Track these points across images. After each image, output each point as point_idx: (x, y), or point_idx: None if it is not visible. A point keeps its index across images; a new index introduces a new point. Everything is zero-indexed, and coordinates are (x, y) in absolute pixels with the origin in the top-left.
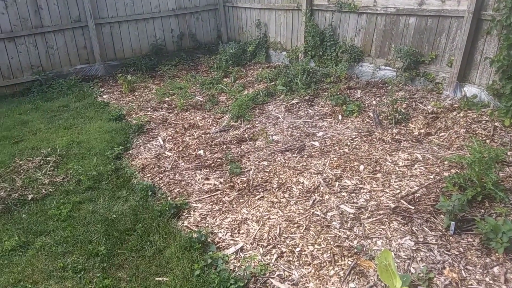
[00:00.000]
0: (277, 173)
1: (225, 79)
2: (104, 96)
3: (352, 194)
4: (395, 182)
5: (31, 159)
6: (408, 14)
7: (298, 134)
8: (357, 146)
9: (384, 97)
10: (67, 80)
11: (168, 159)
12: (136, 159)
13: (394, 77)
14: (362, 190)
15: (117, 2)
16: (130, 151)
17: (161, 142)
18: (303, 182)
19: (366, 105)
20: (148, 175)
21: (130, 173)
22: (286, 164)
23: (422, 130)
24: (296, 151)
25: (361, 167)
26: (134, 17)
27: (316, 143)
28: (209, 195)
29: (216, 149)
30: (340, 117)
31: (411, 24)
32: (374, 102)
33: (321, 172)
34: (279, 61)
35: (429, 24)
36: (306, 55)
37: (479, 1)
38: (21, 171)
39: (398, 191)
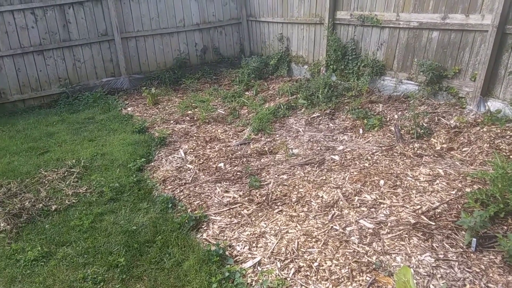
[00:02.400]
0: (296, 186)
1: (247, 93)
2: (129, 109)
3: (371, 209)
4: (415, 197)
5: (56, 170)
6: (431, 28)
7: (318, 148)
8: (377, 161)
9: (406, 111)
10: (93, 92)
11: (189, 171)
12: (157, 171)
13: (417, 91)
14: (382, 205)
15: (143, 17)
16: (152, 163)
17: (183, 155)
18: (322, 196)
19: (388, 119)
20: (169, 187)
21: (152, 185)
22: (306, 178)
23: (445, 145)
24: (316, 165)
25: (381, 182)
26: (159, 31)
27: (336, 157)
28: (228, 208)
29: (236, 162)
30: (361, 131)
31: (434, 38)
32: (395, 116)
33: (340, 187)
34: (301, 74)
35: (452, 38)
36: (328, 69)
37: (503, 15)
38: (46, 182)
39: (418, 206)
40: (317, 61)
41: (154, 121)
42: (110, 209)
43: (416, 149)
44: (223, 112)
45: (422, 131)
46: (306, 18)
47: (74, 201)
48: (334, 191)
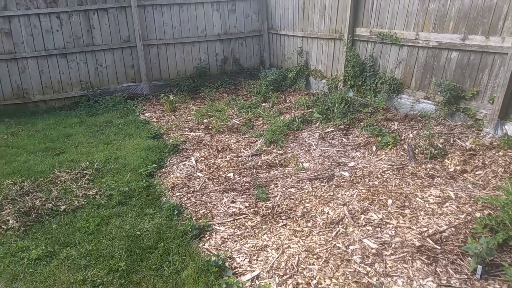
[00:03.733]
0: (303, 201)
1: (263, 104)
2: (146, 114)
3: (377, 229)
4: (423, 219)
5: (69, 171)
6: (450, 49)
7: (329, 163)
8: (387, 179)
9: (421, 130)
10: (113, 97)
11: (198, 179)
12: (167, 177)
13: (434, 111)
14: (387, 225)
15: (166, 25)
16: (163, 169)
17: (194, 163)
18: (328, 213)
19: (402, 137)
20: (177, 194)
21: (160, 191)
22: (313, 192)
23: (458, 167)
24: (325, 180)
25: (390, 201)
26: (180, 40)
27: (346, 174)
28: (232, 219)
29: (245, 172)
30: (374, 148)
31: (453, 58)
32: (410, 135)
33: (347, 204)
34: (319, 88)
35: (471, 60)
36: (345, 84)
37: None
38: (58, 182)
39: (425, 229)
40: (335, 76)
41: (170, 128)
42: (117, 213)
43: (428, 169)
44: (238, 122)
45: (436, 151)
46: (326, 33)
47: (84, 202)
48: (341, 208)
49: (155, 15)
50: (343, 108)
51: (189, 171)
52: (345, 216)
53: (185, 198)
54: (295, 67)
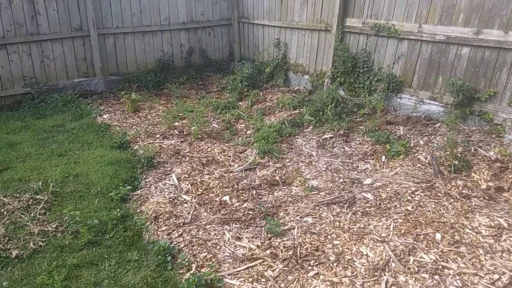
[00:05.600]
0: (329, 236)
1: (240, 103)
2: (105, 116)
3: (435, 277)
4: (486, 260)
5: (18, 195)
6: (461, 44)
7: (341, 180)
8: (421, 203)
9: (432, 136)
10: (62, 94)
11: (185, 205)
12: (146, 203)
13: (442, 113)
14: (447, 271)
15: (124, 12)
16: (139, 191)
17: (176, 181)
18: (366, 254)
19: (412, 145)
20: (163, 228)
21: (141, 224)
22: (337, 223)
23: (491, 183)
24: (346, 205)
25: (438, 235)
26: (140, 29)
27: (369, 196)
28: (246, 266)
29: (244, 195)
30: (383, 159)
31: (464, 55)
32: (421, 142)
33: (386, 240)
34: (300, 85)
35: (486, 57)
36: (334, 81)
37: None
38: (5, 212)
39: (496, 275)
40: (320, 71)
41: (137, 134)
42: (89, 259)
43: (460, 187)
44: (217, 126)
45: (460, 163)
46: (309, 23)
47: (42, 243)
48: (380, 246)
49: (111, 0)
50: (336, 109)
51: (171, 192)
52: (390, 259)
53: (176, 234)
54: (272, 60)
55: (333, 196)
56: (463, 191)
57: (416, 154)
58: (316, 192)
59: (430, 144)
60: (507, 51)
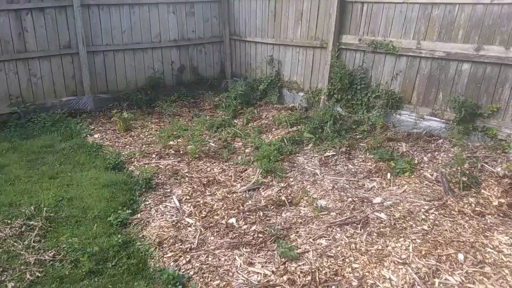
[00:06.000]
0: (347, 259)
1: (235, 121)
2: (95, 136)
3: None
4: None
5: (9, 222)
6: (461, 60)
7: (350, 199)
8: (437, 222)
9: (436, 153)
10: (50, 114)
11: (190, 228)
12: (148, 227)
13: (443, 129)
14: None
15: (114, 29)
16: (139, 214)
17: (177, 204)
18: (389, 278)
19: (416, 161)
20: (169, 255)
21: (144, 250)
22: (353, 245)
23: (502, 200)
24: (359, 226)
25: (460, 256)
26: (131, 46)
27: (382, 215)
28: None
29: (251, 217)
30: (389, 176)
31: (465, 71)
32: (425, 159)
33: (407, 262)
34: (295, 102)
35: (488, 73)
36: (331, 98)
37: None
38: None
39: None
40: (315, 88)
41: (132, 155)
42: None
43: (473, 205)
44: (214, 145)
45: (468, 180)
46: (304, 40)
47: (39, 274)
48: (402, 268)
49: (101, 17)
50: (335, 126)
51: (173, 215)
52: (415, 282)
53: (183, 261)
54: (266, 78)
55: (344, 216)
56: (476, 209)
57: (422, 171)
58: (326, 213)
59: (435, 161)
60: (509, 67)
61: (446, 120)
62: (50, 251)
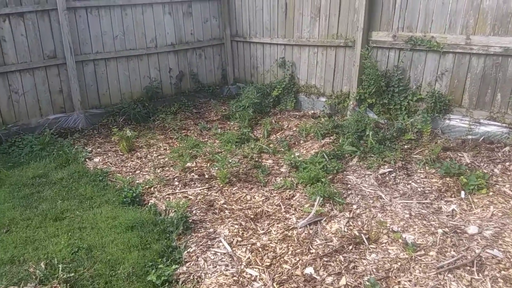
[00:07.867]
0: None
1: (254, 133)
2: (96, 160)
3: None
4: None
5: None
6: None
7: (440, 231)
8: None
9: (508, 163)
10: (37, 135)
11: (256, 283)
12: (201, 285)
13: (505, 135)
14: None
15: (104, 34)
16: (184, 267)
17: (229, 249)
18: None
19: (488, 175)
20: None
21: None
22: None
23: None
24: (474, 269)
25: None
26: (124, 53)
27: (496, 252)
28: None
29: (332, 264)
30: (463, 194)
31: None
32: (496, 171)
33: None
34: (314, 108)
35: None
36: (362, 103)
37: None
38: None
39: None
40: (340, 92)
41: (149, 183)
42: None
43: None
44: (242, 165)
45: None
46: (323, 39)
47: None
48: None
49: (90, 21)
50: (377, 136)
51: (228, 266)
52: None
53: None
54: (279, 82)
55: (449, 256)
56: None
57: (497, 185)
58: (422, 252)
59: (509, 173)
60: None
61: (508, 124)
62: None
